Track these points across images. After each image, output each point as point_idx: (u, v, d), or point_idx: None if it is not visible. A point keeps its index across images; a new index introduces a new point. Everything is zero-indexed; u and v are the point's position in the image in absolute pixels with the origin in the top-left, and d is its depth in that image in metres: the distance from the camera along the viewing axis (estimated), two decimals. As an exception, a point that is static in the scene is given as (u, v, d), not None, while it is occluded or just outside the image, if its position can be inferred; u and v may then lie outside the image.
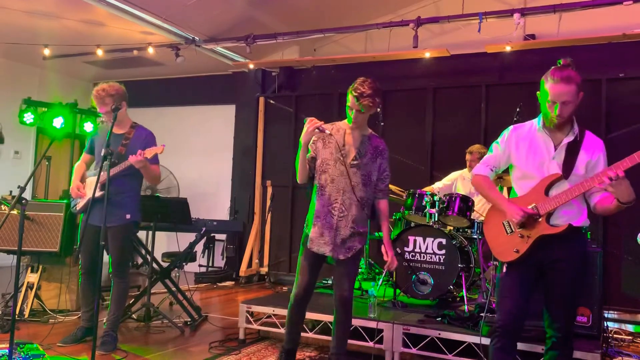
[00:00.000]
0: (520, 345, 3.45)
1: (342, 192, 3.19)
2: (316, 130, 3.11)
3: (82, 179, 4.10)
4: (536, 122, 2.79)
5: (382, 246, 3.28)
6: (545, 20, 6.10)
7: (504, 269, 2.76)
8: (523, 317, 2.77)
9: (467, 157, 5.32)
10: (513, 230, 2.75)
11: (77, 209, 4.07)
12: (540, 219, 2.67)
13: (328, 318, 3.92)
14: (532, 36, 6.47)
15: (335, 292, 3.26)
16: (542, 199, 2.69)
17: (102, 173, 3.69)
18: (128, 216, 3.98)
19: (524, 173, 2.77)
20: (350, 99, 3.13)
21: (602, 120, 5.88)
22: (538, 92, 2.69)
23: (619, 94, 5.93)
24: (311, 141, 3.23)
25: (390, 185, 5.33)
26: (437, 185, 5.54)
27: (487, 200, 2.99)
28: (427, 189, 5.31)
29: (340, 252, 3.20)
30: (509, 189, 3.06)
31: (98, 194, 3.68)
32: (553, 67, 2.68)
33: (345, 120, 3.29)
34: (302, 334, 4.05)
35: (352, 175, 3.19)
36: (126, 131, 4.07)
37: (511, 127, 2.86)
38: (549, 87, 2.60)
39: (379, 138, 3.35)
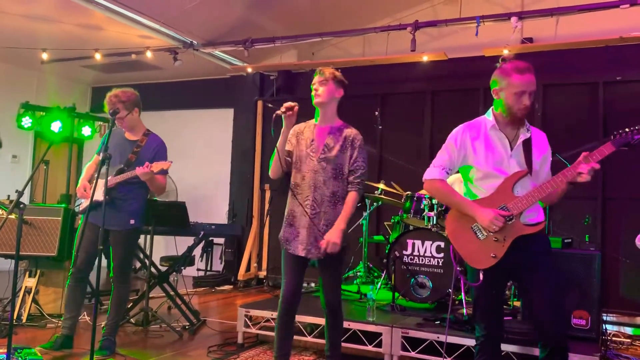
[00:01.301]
0: (517, 349, 3.46)
1: (313, 189, 3.09)
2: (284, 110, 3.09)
3: (91, 180, 4.07)
4: (487, 120, 2.73)
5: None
6: (542, 24, 6.12)
7: (480, 276, 2.61)
8: (503, 324, 2.76)
9: None
10: (485, 234, 2.63)
11: (81, 209, 4.06)
12: (514, 220, 2.60)
13: (327, 322, 3.91)
14: (530, 39, 6.49)
15: (321, 296, 3.19)
16: (511, 198, 2.61)
17: (109, 177, 3.68)
18: (132, 221, 3.94)
19: (485, 173, 2.68)
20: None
21: (600, 123, 5.90)
22: (496, 89, 2.67)
23: (616, 97, 5.94)
24: (289, 134, 3.23)
25: (389, 186, 5.38)
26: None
27: (449, 206, 2.84)
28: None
29: (315, 252, 3.07)
30: None
31: (102, 198, 3.65)
32: (503, 63, 2.68)
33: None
34: (301, 338, 4.05)
35: (322, 170, 3.10)
36: (139, 138, 4.03)
37: (461, 126, 2.78)
38: (517, 79, 2.59)
39: (350, 128, 3.21)
